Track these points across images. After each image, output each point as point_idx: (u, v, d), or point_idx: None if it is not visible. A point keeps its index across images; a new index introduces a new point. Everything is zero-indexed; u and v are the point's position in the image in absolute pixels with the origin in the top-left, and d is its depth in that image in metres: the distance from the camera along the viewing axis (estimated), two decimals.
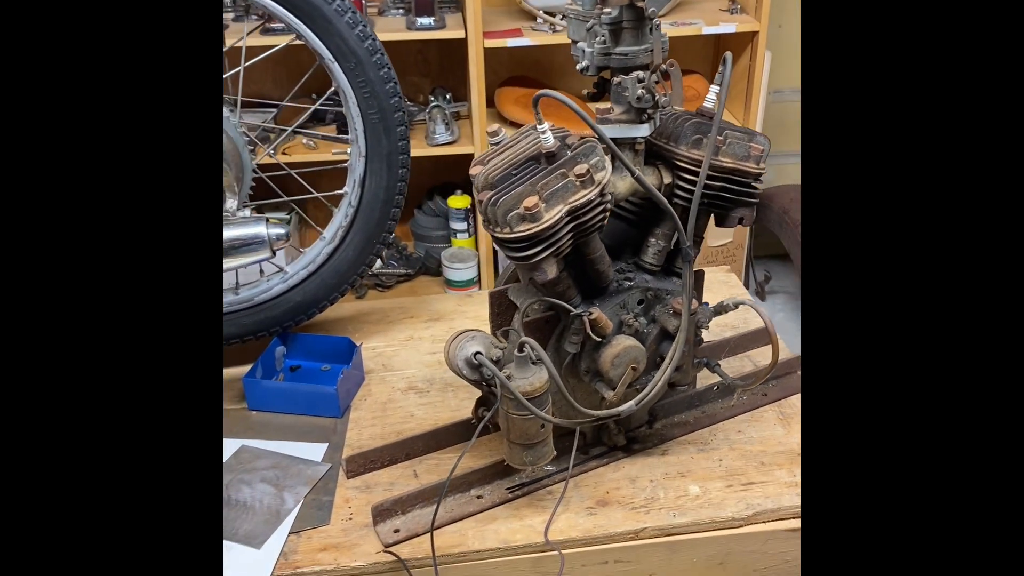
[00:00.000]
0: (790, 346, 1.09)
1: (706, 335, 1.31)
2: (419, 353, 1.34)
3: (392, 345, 1.36)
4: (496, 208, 0.86)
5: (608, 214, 0.90)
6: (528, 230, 0.86)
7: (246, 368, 1.23)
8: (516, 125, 2.27)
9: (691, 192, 0.95)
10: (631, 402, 0.98)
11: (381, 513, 1.00)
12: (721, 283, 1.51)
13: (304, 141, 2.35)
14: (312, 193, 1.26)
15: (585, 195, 0.87)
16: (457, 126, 2.41)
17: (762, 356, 1.32)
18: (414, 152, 2.32)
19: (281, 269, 1.25)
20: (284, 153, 2.31)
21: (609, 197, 0.90)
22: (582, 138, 0.90)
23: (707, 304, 1.06)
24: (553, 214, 0.86)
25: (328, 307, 1.30)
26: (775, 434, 1.14)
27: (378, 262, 2.58)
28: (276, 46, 1.26)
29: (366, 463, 1.09)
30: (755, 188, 0.99)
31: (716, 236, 2.54)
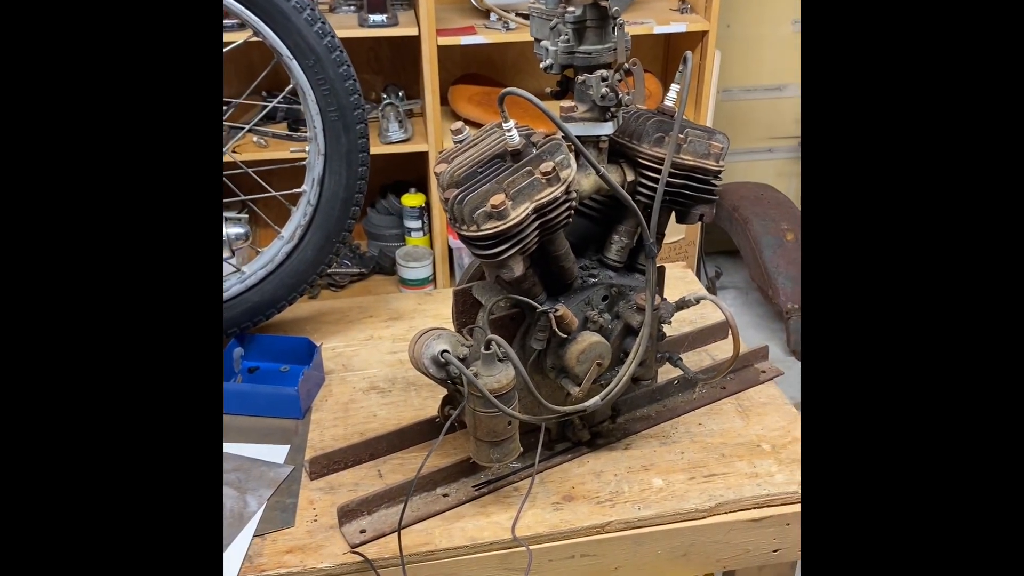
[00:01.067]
0: (743, 340, 1.12)
1: (666, 330, 1.33)
2: (380, 352, 1.33)
3: (352, 345, 1.35)
4: (463, 206, 0.86)
5: (573, 211, 0.91)
6: (495, 228, 0.86)
7: None
8: (470, 123, 2.26)
9: (654, 189, 0.96)
10: (597, 397, 0.99)
11: (347, 514, 0.99)
12: (678, 279, 1.53)
13: (255, 139, 2.31)
14: (269, 192, 1.24)
15: (551, 193, 0.88)
16: (410, 124, 2.40)
17: (719, 350, 1.34)
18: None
19: (238, 269, 1.23)
20: (235, 151, 2.27)
21: (575, 194, 0.90)
22: (547, 136, 0.91)
23: (665, 299, 1.07)
24: (520, 212, 0.87)
25: (287, 307, 1.28)
26: (734, 426, 1.17)
27: None
28: (233, 43, 1.23)
29: (329, 464, 1.08)
30: (715, 185, 1.01)
31: (669, 233, 2.57)
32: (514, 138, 0.88)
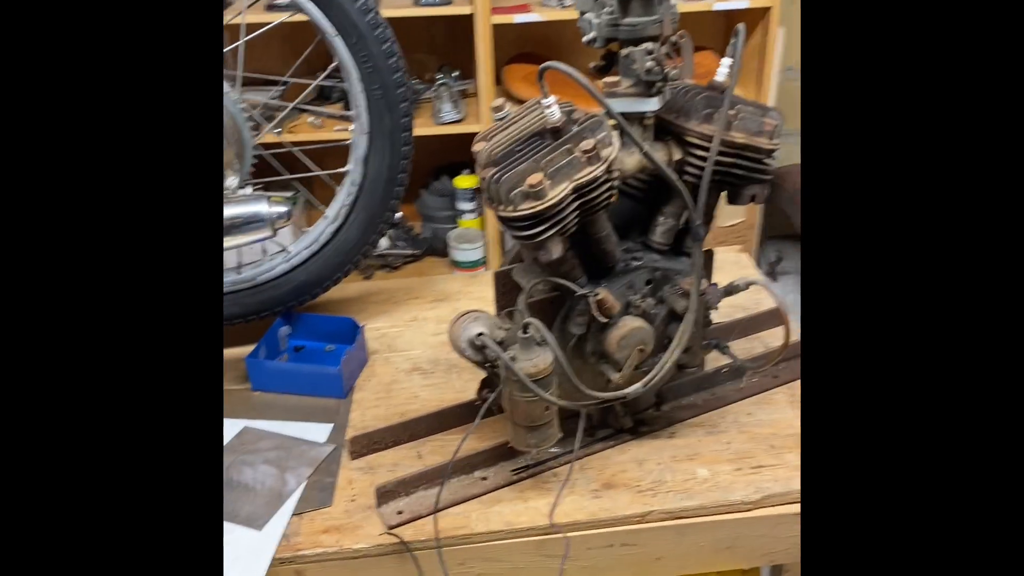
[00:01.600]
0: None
1: (716, 316, 1.28)
2: (423, 334, 1.32)
3: (397, 326, 1.35)
4: (499, 185, 0.84)
5: (615, 192, 0.88)
6: (532, 208, 0.84)
7: (249, 348, 1.21)
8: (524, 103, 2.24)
9: (701, 168, 0.92)
10: (638, 384, 0.96)
11: (384, 495, 0.98)
12: (732, 263, 1.48)
13: (310, 119, 2.33)
14: (315, 171, 1.23)
15: (591, 172, 0.85)
16: (464, 104, 2.39)
17: (773, 337, 1.29)
18: (420, 131, 2.32)
19: (284, 248, 1.24)
20: (290, 131, 2.30)
21: (617, 174, 0.87)
22: (589, 113, 0.88)
23: (716, 284, 1.04)
24: (558, 192, 0.84)
25: (332, 287, 1.28)
26: (785, 416, 1.12)
27: (385, 242, 2.59)
28: (271, 23, 1.23)
29: (369, 444, 1.08)
30: (768, 165, 0.96)
31: (727, 216, 2.51)
32: (554, 115, 0.85)
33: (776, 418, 1.12)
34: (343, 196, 1.21)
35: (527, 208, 0.84)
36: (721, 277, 1.06)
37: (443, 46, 2.57)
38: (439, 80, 2.37)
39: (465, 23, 2.30)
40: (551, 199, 0.84)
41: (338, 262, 1.24)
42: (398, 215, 2.63)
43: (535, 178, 0.83)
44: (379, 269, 2.57)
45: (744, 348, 1.27)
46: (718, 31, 2.60)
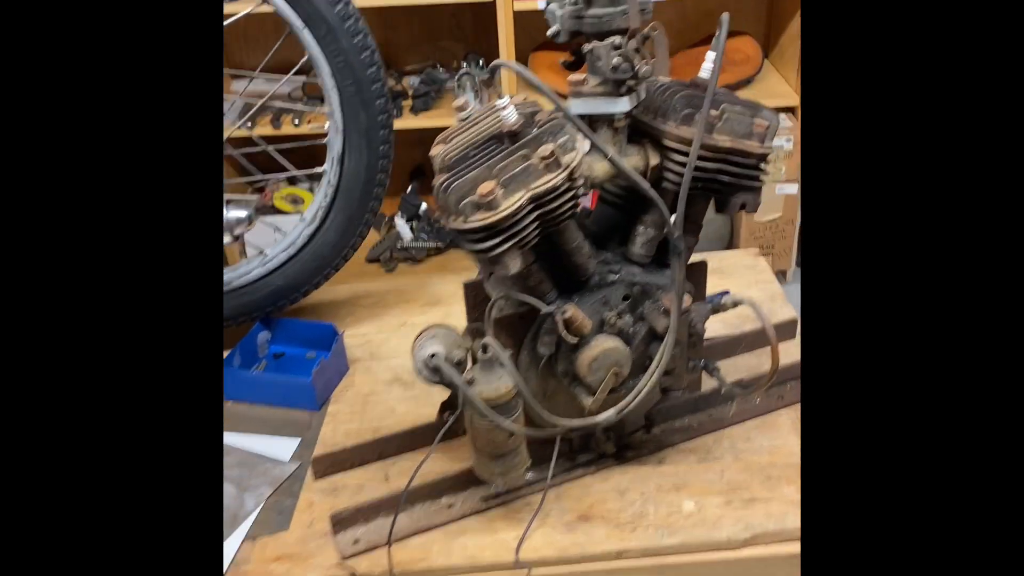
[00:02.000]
0: None
1: (722, 328, 1.19)
2: (409, 341, 1.24)
3: (383, 332, 1.28)
4: (448, 195, 0.76)
5: (579, 201, 0.79)
6: (484, 220, 0.76)
7: (224, 355, 1.16)
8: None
9: (681, 175, 0.82)
10: (611, 411, 0.87)
11: (341, 522, 0.92)
12: (747, 268, 1.38)
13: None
14: (290, 171, 1.17)
15: (550, 180, 0.76)
16: (487, 94, 2.30)
17: (784, 352, 1.19)
18: (443, 122, 2.24)
19: (261, 252, 1.18)
20: (309, 123, 2.25)
21: (581, 182, 0.79)
22: (551, 115, 0.79)
23: (728, 293, 0.94)
24: (513, 202, 0.76)
25: (312, 291, 1.22)
26: (787, 443, 1.02)
27: (409, 235, 2.52)
28: (236, 15, 1.16)
29: (335, 464, 1.02)
30: (760, 170, 0.86)
31: (764, 211, 2.38)
32: (511, 117, 0.77)
33: (777, 444, 1.02)
34: (320, 197, 1.15)
35: (478, 220, 0.76)
36: (735, 282, 0.97)
37: (471, 34, 2.49)
38: (462, 69, 2.29)
39: (490, 10, 2.21)
40: (504, 210, 0.76)
41: (316, 266, 1.19)
42: (423, 207, 2.58)
43: (487, 187, 0.75)
44: (402, 262, 2.52)
45: (751, 364, 1.17)
46: (760, 16, 2.45)
